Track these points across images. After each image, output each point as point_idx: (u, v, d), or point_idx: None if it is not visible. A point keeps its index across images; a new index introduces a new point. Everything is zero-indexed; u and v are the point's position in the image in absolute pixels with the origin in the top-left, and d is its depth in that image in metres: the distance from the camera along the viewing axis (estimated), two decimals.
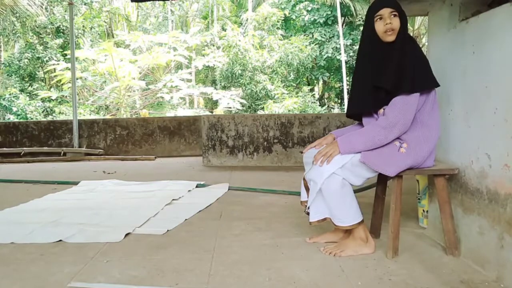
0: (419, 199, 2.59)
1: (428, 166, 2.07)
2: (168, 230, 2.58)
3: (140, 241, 2.41)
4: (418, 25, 18.62)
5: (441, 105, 2.26)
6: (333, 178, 2.02)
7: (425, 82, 1.99)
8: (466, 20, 2.07)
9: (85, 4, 16.84)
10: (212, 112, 15.94)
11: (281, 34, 18.12)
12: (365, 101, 2.11)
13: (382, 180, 2.36)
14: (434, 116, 2.05)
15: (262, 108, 15.86)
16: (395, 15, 2.01)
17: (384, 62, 2.03)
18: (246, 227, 2.64)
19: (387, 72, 2.01)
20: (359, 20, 18.50)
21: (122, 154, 6.75)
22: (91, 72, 15.29)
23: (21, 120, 12.26)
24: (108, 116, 14.51)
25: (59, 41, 15.40)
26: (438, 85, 2.03)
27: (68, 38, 14.45)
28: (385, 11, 2.01)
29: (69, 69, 11.64)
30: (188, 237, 2.46)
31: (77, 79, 10.95)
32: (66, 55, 14.98)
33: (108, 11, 18.89)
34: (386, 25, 2.00)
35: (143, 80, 15.85)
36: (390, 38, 2.02)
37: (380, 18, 2.03)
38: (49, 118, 13.92)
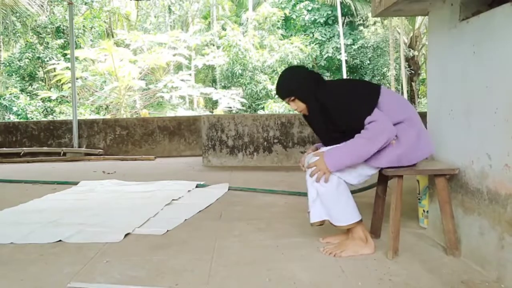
0: (419, 199, 2.58)
1: (426, 156, 2.07)
2: (167, 231, 2.58)
3: (140, 241, 2.41)
4: (418, 25, 18.61)
5: (441, 105, 2.26)
6: (328, 178, 2.03)
7: (362, 111, 1.99)
8: (466, 20, 2.06)
9: (85, 4, 16.85)
10: (212, 112, 15.94)
11: (281, 34, 18.12)
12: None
13: (382, 180, 2.35)
14: (403, 110, 2.07)
15: (262, 108, 15.87)
16: (292, 100, 2.14)
17: (318, 128, 2.20)
18: (246, 228, 2.63)
19: (323, 137, 2.19)
20: (360, 20, 18.52)
21: (122, 154, 6.75)
22: (91, 72, 15.28)
23: (21, 120, 12.26)
24: (108, 116, 14.51)
25: (60, 41, 15.39)
26: (372, 110, 1.99)
27: (68, 38, 14.44)
28: (285, 101, 2.19)
29: (69, 69, 11.62)
30: (188, 238, 2.45)
31: (77, 79, 10.96)
32: (66, 54, 14.97)
33: (108, 11, 18.89)
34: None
35: (143, 80, 15.85)
36: (306, 114, 2.18)
37: None
38: (50, 118, 13.91)
